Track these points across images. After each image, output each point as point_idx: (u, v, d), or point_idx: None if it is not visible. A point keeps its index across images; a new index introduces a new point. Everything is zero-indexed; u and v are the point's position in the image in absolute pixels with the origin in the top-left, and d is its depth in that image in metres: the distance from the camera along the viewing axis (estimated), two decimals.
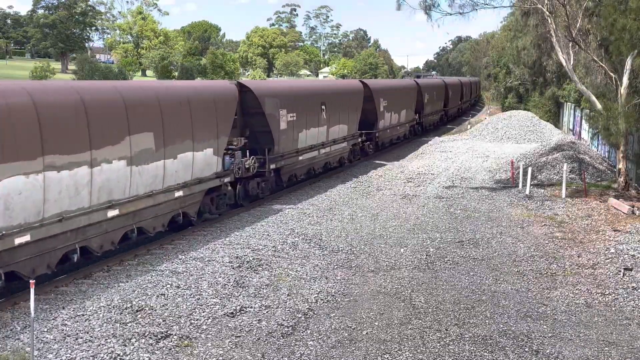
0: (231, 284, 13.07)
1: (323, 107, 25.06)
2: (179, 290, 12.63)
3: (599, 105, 22.88)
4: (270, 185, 21.69)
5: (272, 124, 20.98)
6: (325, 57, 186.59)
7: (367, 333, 10.92)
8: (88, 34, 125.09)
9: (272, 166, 21.15)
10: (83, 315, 11.22)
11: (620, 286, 13.39)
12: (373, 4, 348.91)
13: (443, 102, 53.47)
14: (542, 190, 23.49)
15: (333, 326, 11.19)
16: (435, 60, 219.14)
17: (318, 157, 25.17)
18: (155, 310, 11.57)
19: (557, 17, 24.83)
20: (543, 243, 16.69)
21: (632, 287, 13.31)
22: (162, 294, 12.35)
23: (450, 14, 26.10)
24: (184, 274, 13.63)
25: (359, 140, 30.11)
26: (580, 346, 10.51)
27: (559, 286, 13.45)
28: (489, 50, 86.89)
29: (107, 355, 9.70)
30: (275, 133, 21.18)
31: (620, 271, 14.20)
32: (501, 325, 11.27)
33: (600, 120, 22.47)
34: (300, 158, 23.40)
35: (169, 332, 10.66)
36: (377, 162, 31.44)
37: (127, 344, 10.12)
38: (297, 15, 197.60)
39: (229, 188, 19.14)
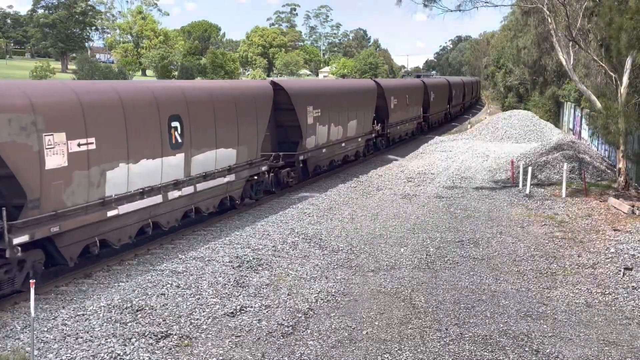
0: (231, 283, 13.07)
1: (176, 124, 15.80)
2: (179, 289, 12.63)
3: (599, 105, 22.89)
4: (28, 271, 12.24)
5: (19, 160, 11.66)
6: (325, 56, 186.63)
7: (367, 333, 10.92)
8: (88, 33, 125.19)
9: (21, 239, 11.61)
10: (83, 315, 11.22)
11: (621, 286, 13.39)
12: (373, 4, 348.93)
13: (422, 107, 45.03)
14: (542, 190, 23.49)
15: (333, 326, 11.19)
16: (436, 60, 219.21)
17: (165, 204, 15.65)
18: (156, 309, 11.57)
19: (557, 17, 24.86)
20: (543, 243, 16.69)
21: (632, 286, 13.31)
22: (162, 294, 12.36)
23: (451, 11, 26.16)
24: (184, 273, 13.63)
25: (264, 169, 20.44)
26: (580, 346, 10.51)
27: (559, 286, 13.46)
28: (489, 50, 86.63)
29: (107, 355, 9.70)
30: (27, 176, 11.83)
31: (620, 271, 14.20)
32: (501, 325, 11.27)
33: (600, 119, 22.49)
34: (113, 213, 13.77)
35: (169, 332, 10.66)
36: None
37: (127, 344, 10.13)
38: (297, 15, 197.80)
39: None
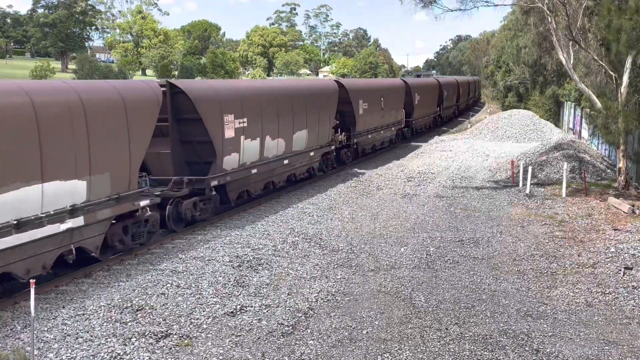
0: (231, 283, 13.07)
1: None
2: (179, 289, 12.63)
3: (599, 104, 22.90)
4: None
5: None
6: (325, 56, 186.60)
7: (367, 332, 10.92)
8: (88, 33, 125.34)
9: None
10: (83, 314, 11.22)
11: (621, 285, 13.39)
12: (373, 3, 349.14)
13: (404, 111, 38.97)
14: (543, 190, 23.49)
15: (333, 325, 11.18)
16: (436, 59, 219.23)
17: None
18: (156, 309, 11.57)
19: (557, 16, 24.86)
20: (543, 242, 16.69)
21: (633, 286, 13.31)
22: (162, 293, 12.36)
23: (451, 10, 26.19)
24: (184, 273, 13.64)
25: (144, 204, 15.02)
26: (580, 345, 10.51)
27: (559, 285, 13.46)
28: (489, 49, 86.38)
29: (107, 355, 9.70)
30: None
31: (620, 270, 14.20)
32: (501, 325, 11.27)
33: (600, 119, 22.49)
34: None
35: (169, 332, 10.66)
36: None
37: (127, 343, 10.13)
38: (296, 14, 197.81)
39: None
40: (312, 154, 24.55)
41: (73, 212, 12.85)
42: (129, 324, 10.90)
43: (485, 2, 25.62)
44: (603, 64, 22.91)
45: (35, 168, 11.87)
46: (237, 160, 19.00)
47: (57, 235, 12.54)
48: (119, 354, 9.73)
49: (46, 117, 12.05)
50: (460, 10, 25.86)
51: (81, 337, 10.29)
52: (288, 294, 12.58)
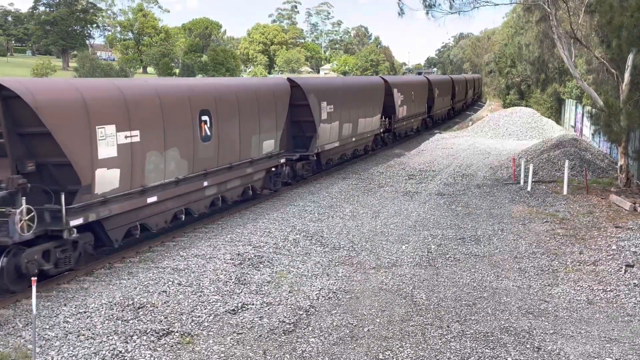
0: (232, 281, 13.08)
1: None
2: (180, 287, 12.64)
3: (600, 102, 22.86)
4: None
5: None
6: (327, 53, 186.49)
7: (368, 330, 10.93)
8: (89, 31, 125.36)
9: None
10: (85, 312, 11.23)
11: (622, 283, 13.38)
12: (374, 1, 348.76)
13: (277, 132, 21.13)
14: (544, 187, 23.47)
15: (334, 323, 11.19)
16: (437, 57, 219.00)
17: None
18: (157, 307, 11.58)
19: (558, 12, 24.81)
20: (544, 240, 16.68)
21: (634, 283, 13.30)
22: (163, 291, 12.37)
23: (451, 13, 26.17)
24: (186, 270, 13.65)
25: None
26: (581, 343, 10.51)
27: (560, 283, 13.46)
28: (491, 47, 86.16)
29: (108, 353, 9.71)
30: None
31: (621, 268, 14.19)
32: (502, 322, 11.27)
33: (602, 117, 22.45)
34: None
35: (170, 329, 10.67)
36: None
37: (128, 341, 10.14)
38: (298, 12, 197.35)
39: None
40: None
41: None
42: (131, 321, 10.91)
43: (485, 1, 25.57)
44: (604, 62, 22.87)
45: None
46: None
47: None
48: (120, 352, 9.75)
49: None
50: (460, 12, 25.83)
51: (83, 335, 10.31)
52: (289, 292, 12.59)
